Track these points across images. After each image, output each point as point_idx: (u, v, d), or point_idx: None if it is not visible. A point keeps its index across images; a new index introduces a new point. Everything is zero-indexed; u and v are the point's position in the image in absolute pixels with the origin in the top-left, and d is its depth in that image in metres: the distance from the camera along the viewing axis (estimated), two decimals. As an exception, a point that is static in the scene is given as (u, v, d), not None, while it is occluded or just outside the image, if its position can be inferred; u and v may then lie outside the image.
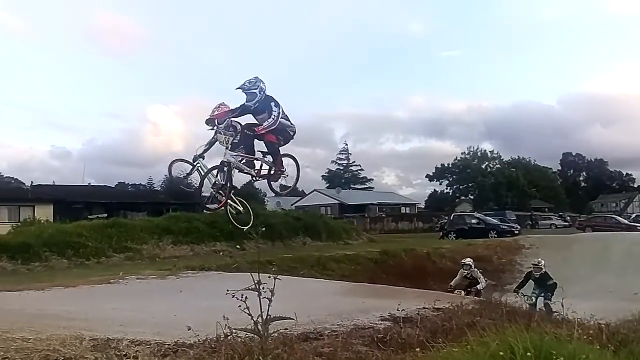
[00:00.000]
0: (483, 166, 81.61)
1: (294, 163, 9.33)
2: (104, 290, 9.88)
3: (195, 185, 8.68)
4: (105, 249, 18.11)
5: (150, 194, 48.30)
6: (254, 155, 8.80)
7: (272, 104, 8.47)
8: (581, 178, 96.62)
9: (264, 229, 3.89)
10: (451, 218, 38.44)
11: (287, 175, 9.27)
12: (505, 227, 34.53)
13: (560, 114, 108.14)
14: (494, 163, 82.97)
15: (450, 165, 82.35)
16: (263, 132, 8.43)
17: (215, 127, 8.34)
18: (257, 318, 3.15)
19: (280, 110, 8.63)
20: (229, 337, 3.52)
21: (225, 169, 8.34)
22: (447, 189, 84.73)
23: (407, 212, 65.03)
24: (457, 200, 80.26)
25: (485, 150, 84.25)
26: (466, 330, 4.56)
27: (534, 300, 12.38)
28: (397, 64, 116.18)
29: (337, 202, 62.14)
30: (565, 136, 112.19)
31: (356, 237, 27.10)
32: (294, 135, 8.96)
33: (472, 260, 14.24)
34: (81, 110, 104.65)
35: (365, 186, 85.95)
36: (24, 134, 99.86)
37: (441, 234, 34.82)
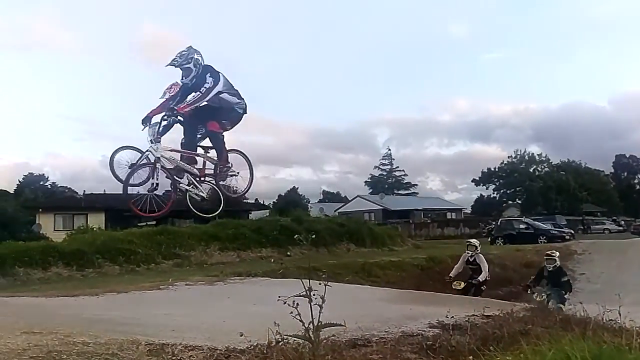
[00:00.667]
0: (531, 170, 79.64)
1: (244, 160, 8.17)
2: (155, 296, 10.12)
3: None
4: (155, 255, 18.59)
5: (198, 201, 49.17)
6: (195, 150, 7.68)
7: (208, 74, 7.15)
8: (636, 181, 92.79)
9: (313, 236, 3.88)
10: (499, 223, 37.66)
11: (237, 174, 8.12)
12: (556, 232, 33.55)
13: (612, 115, 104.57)
14: (543, 166, 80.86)
15: (496, 170, 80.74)
16: (187, 109, 7.02)
17: (149, 126, 7.05)
18: (308, 324, 3.17)
19: (220, 82, 7.27)
20: (279, 344, 3.56)
21: (159, 166, 7.14)
22: (493, 193, 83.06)
23: (453, 217, 64.05)
24: (504, 205, 78.47)
25: (532, 154, 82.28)
26: (519, 339, 4.46)
27: (544, 299, 10.70)
28: (440, 67, 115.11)
29: (380, 208, 61.78)
30: (618, 137, 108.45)
31: (401, 243, 26.86)
32: (244, 113, 7.64)
33: (478, 242, 12.90)
34: (129, 121, 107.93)
35: (410, 192, 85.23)
36: (76, 145, 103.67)
37: (489, 239, 34.17)
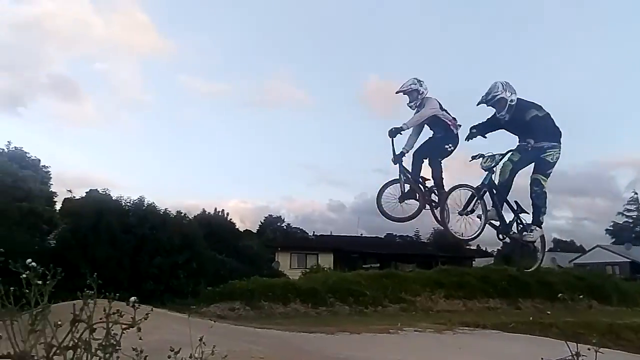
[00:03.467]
0: None
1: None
2: (386, 340, 10.31)
3: None
4: (382, 298, 19.02)
5: (418, 245, 49.39)
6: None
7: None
8: None
9: (581, 296, 3.53)
10: None
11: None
12: None
13: None
14: None
15: None
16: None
17: None
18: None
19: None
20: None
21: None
22: None
23: None
24: None
25: None
26: None
27: (492, 164, 6.02)
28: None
29: (627, 260, 54.01)
30: None
31: (657, 304, 23.04)
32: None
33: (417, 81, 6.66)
34: (353, 167, 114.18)
35: (664, 242, 73.18)
36: (308, 190, 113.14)
37: None
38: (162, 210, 23.62)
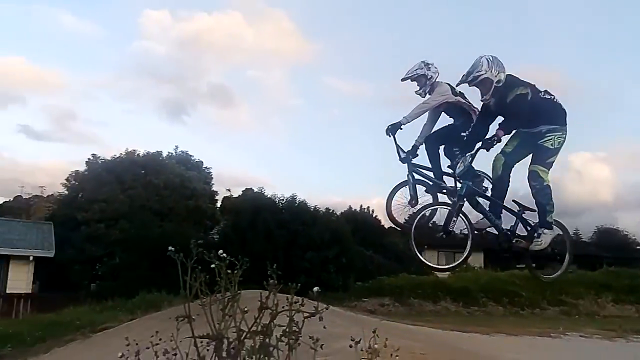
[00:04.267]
0: None
1: None
2: (548, 344, 9.72)
3: None
4: (539, 300, 17.94)
5: (579, 245, 45.60)
6: None
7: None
8: None
9: None
10: None
11: None
12: None
13: None
14: None
15: None
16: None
17: None
18: None
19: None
20: None
21: None
22: None
23: None
24: None
25: None
26: None
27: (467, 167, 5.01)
28: None
29: None
30: None
31: None
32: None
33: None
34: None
35: None
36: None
37: None
38: (313, 207, 24.54)
